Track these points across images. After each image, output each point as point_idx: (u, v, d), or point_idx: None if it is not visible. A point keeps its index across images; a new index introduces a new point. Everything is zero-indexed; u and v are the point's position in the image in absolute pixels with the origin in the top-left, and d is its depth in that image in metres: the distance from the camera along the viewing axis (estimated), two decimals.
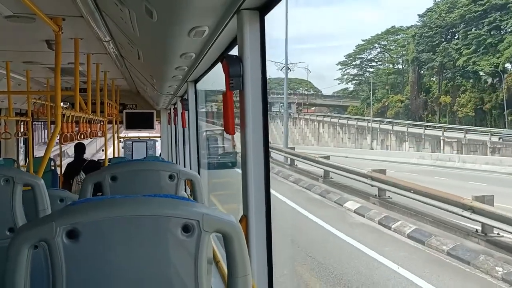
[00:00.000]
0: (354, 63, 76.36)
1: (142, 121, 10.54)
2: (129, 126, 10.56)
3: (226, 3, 1.93)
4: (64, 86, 8.13)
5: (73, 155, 7.95)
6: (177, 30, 2.35)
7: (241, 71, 2.07)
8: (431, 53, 57.22)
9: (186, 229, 1.22)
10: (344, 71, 78.32)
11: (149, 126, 10.62)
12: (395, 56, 70.91)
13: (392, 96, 62.18)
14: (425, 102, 57.27)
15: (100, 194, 2.38)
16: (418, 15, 62.41)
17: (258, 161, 2.15)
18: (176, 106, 7.66)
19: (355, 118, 57.51)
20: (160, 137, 11.67)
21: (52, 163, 8.50)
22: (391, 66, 71.94)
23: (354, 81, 76.63)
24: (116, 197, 1.24)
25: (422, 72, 59.68)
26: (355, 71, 76.85)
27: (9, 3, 3.07)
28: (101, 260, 1.19)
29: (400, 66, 70.99)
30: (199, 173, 5.64)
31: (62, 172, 8.07)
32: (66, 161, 8.85)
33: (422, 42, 58.55)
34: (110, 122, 9.00)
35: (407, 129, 47.43)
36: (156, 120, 10.82)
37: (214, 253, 3.45)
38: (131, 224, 1.19)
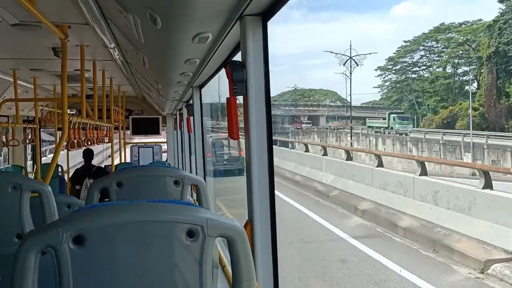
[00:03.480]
0: (395, 68, 67.18)
1: (148, 126, 10.58)
2: (136, 132, 10.61)
3: (229, 10, 1.95)
4: (71, 92, 8.20)
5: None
6: (181, 37, 2.37)
7: (244, 76, 2.09)
8: None
9: (190, 234, 1.23)
10: (383, 78, 69.53)
11: (155, 131, 10.67)
12: (447, 56, 60.61)
13: (461, 103, 51.40)
14: (508, 108, 44.39)
15: (107, 199, 2.40)
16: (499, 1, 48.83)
17: (263, 165, 2.17)
18: (181, 112, 7.69)
19: (440, 132, 42.34)
20: (166, 142, 11.72)
21: (60, 169, 8.56)
22: (440, 69, 62.01)
23: (395, 89, 67.79)
24: (121, 203, 1.25)
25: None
26: (394, 77, 68.14)
27: (15, 11, 3.11)
28: (107, 265, 1.20)
29: (449, 70, 60.60)
30: (204, 178, 5.65)
31: (69, 178, 8.13)
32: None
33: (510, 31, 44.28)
34: (116, 128, 9.05)
35: None
36: (162, 126, 10.86)
37: (220, 257, 3.45)
38: (136, 230, 1.20)
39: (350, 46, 51.63)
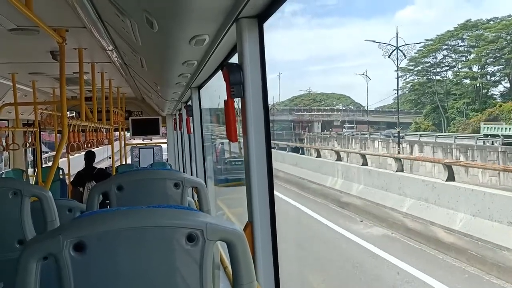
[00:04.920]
0: (416, 68, 61.74)
1: (148, 127, 10.58)
2: (135, 133, 10.61)
3: (225, 12, 1.95)
4: (70, 95, 8.20)
5: None
6: (177, 39, 2.38)
7: (242, 78, 2.09)
8: None
9: (190, 238, 1.23)
10: (404, 80, 62.92)
11: (155, 132, 10.66)
12: (476, 55, 54.16)
13: (501, 105, 45.81)
14: None
15: (109, 202, 2.40)
16: None
17: (261, 167, 2.17)
18: (181, 112, 7.70)
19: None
20: (166, 143, 11.72)
21: (61, 172, 8.57)
22: (467, 69, 56.17)
23: (417, 91, 62.13)
24: (121, 209, 1.26)
25: None
26: (416, 79, 62.37)
27: (13, 16, 3.11)
28: (108, 271, 1.20)
29: (475, 69, 55.14)
30: (205, 179, 5.65)
31: (71, 181, 8.14)
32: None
33: None
34: (116, 129, 9.05)
35: None
36: (162, 126, 10.86)
37: (222, 258, 3.45)
38: (136, 235, 1.21)
39: (397, 34, 40.15)
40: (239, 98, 2.16)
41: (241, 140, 2.29)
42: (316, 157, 24.16)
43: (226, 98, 2.14)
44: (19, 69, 5.59)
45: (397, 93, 44.41)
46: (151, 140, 13.18)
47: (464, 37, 57.23)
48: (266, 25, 2.10)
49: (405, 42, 47.31)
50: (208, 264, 1.25)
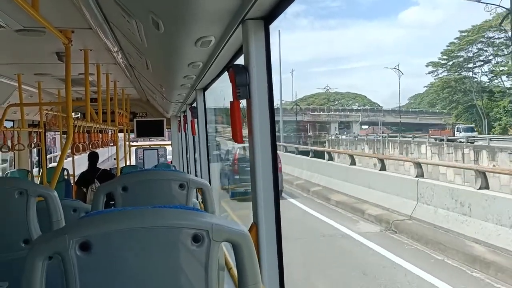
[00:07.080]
0: (449, 63, 55.50)
1: (153, 129, 10.58)
2: (140, 134, 10.62)
3: (231, 14, 1.96)
4: (75, 96, 8.24)
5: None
6: (183, 41, 2.38)
7: (248, 80, 2.09)
8: None
9: (196, 239, 1.23)
10: (436, 75, 58.76)
11: (159, 134, 10.67)
12: None
13: None
14: None
15: (113, 203, 2.41)
16: None
17: (267, 169, 2.17)
18: (185, 114, 7.71)
19: None
20: (170, 144, 11.74)
21: (65, 172, 8.60)
22: (504, 62, 49.21)
23: (450, 88, 55.63)
24: (127, 209, 1.26)
25: None
26: (447, 74, 56.74)
27: (19, 17, 3.13)
28: (113, 271, 1.21)
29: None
30: (209, 181, 5.66)
31: (75, 181, 8.16)
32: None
33: None
34: (121, 131, 9.07)
35: None
36: (166, 128, 10.87)
37: (226, 259, 3.45)
38: (141, 235, 1.21)
39: None
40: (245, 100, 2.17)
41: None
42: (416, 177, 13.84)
43: (232, 100, 2.14)
44: (25, 70, 5.62)
45: None
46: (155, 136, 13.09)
47: (507, 28, 49.09)
48: (273, 27, 2.10)
49: None
50: (213, 265, 1.25)
